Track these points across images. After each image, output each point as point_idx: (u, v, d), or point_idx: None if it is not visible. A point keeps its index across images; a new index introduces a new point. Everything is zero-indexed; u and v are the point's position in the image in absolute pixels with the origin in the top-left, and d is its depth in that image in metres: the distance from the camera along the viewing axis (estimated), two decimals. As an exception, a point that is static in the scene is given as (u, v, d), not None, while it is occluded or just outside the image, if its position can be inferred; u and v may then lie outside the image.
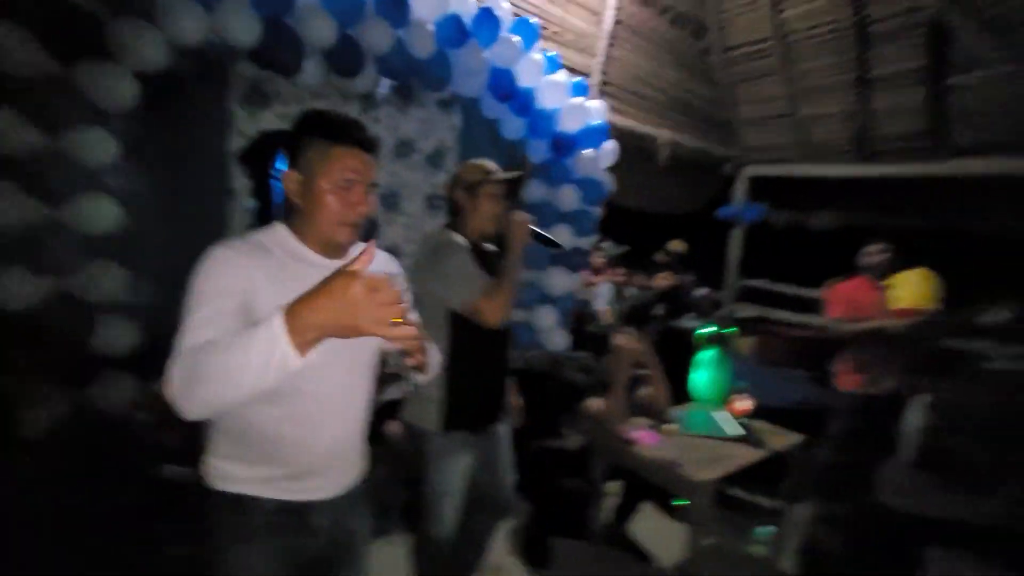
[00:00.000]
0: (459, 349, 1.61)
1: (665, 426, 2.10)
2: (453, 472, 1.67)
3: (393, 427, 2.41)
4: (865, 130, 4.10)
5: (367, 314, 0.75)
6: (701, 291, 4.51)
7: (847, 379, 2.79)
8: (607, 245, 4.52)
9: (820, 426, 2.82)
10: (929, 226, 3.98)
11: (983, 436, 3.30)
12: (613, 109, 4.00)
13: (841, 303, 2.79)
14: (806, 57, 4.11)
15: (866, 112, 4.04)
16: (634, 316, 3.63)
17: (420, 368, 1.12)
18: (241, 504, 1.04)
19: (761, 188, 5.10)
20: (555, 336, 3.16)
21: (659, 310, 3.86)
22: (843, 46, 3.85)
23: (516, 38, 2.70)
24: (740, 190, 5.13)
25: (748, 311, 5.03)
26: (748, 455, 2.14)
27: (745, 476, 2.41)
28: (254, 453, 1.04)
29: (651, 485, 2.20)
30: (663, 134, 4.32)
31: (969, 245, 3.96)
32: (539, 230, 1.66)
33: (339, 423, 1.10)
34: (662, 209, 4.68)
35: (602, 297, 3.98)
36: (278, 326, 0.76)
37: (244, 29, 1.96)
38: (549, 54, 2.97)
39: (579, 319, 3.56)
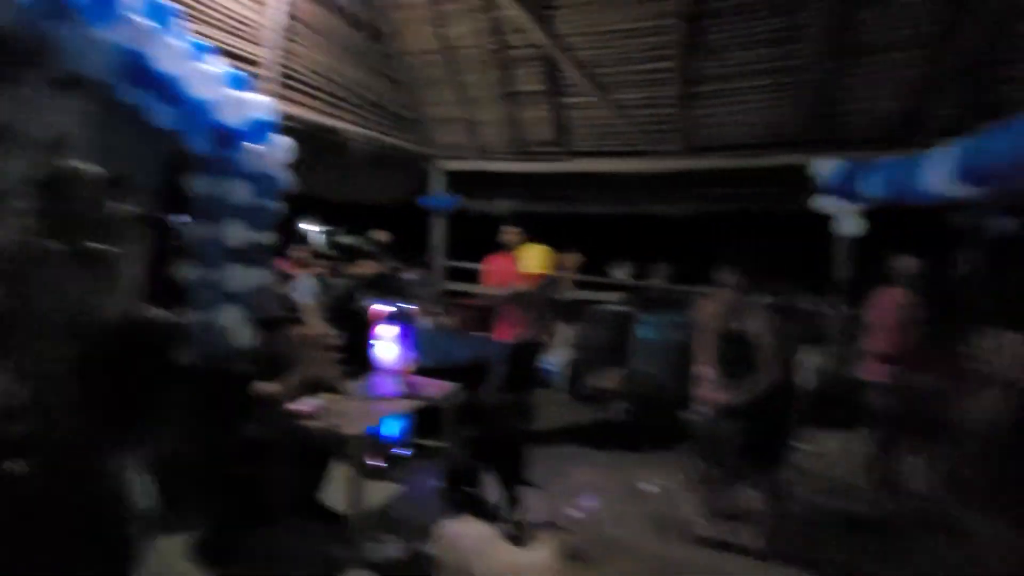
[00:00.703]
0: None
1: (332, 395, 2.35)
2: None
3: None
4: (516, 134, 5.12)
5: None
6: (409, 275, 4.96)
7: (500, 332, 3.53)
8: (351, 236, 4.56)
9: (483, 374, 3.51)
10: (559, 209, 5.26)
11: (602, 359, 4.61)
12: (298, 103, 4.04)
13: (491, 274, 3.50)
14: (470, 70, 4.87)
15: (516, 121, 5.03)
16: (338, 306, 3.79)
17: None
18: None
19: (457, 180, 5.84)
20: (240, 333, 3.09)
21: (363, 297, 4.11)
22: (497, 65, 4.70)
23: (145, 19, 2.50)
24: (438, 182, 5.77)
25: (454, 288, 5.75)
26: (410, 405, 2.58)
27: (426, 426, 2.89)
28: None
29: (340, 453, 2.43)
30: (351, 129, 4.54)
31: (588, 223, 5.41)
32: None
33: None
34: (363, 199, 4.95)
35: (304, 290, 4.01)
36: None
37: None
38: (207, 41, 2.83)
39: (277, 312, 3.54)
